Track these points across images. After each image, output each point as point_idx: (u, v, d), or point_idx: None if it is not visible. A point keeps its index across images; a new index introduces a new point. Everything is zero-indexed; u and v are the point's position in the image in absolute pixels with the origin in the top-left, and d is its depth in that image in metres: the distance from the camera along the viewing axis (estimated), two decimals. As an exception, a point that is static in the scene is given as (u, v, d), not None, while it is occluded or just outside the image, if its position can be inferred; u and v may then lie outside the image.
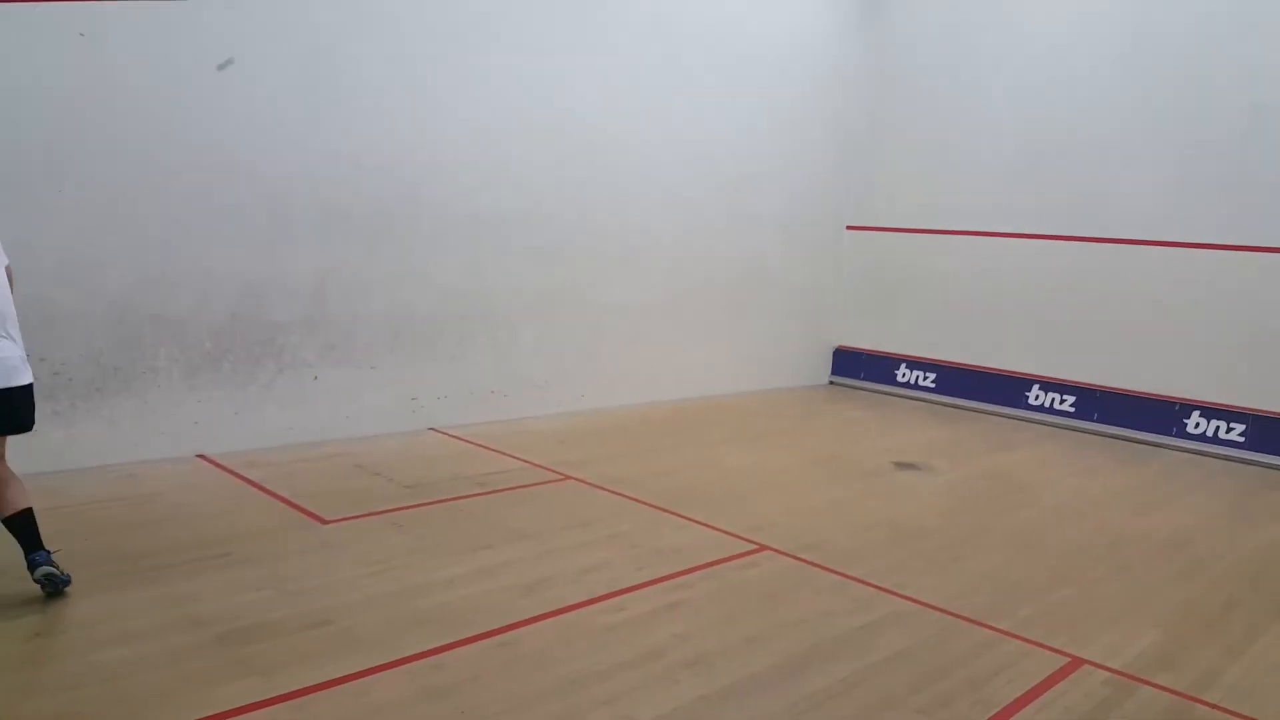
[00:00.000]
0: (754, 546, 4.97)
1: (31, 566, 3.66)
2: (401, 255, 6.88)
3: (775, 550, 4.93)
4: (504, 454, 6.59)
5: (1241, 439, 8.08)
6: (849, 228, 10.87)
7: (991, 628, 4.11)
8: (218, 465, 5.84)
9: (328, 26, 6.25)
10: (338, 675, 3.26)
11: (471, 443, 6.87)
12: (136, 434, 5.67)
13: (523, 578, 4.32)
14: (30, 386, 3.71)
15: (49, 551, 3.71)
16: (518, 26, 7.35)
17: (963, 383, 9.92)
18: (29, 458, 5.12)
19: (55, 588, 3.69)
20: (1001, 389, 9.60)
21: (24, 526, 3.68)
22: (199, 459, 5.93)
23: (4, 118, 5.05)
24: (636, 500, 5.67)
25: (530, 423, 7.65)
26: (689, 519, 5.37)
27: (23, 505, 3.69)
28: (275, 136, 6.10)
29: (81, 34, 5.24)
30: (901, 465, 7.14)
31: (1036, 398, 9.35)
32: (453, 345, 7.31)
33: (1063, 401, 9.16)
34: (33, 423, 3.76)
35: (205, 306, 5.94)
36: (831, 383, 11.01)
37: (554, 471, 6.22)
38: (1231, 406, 8.15)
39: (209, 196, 5.86)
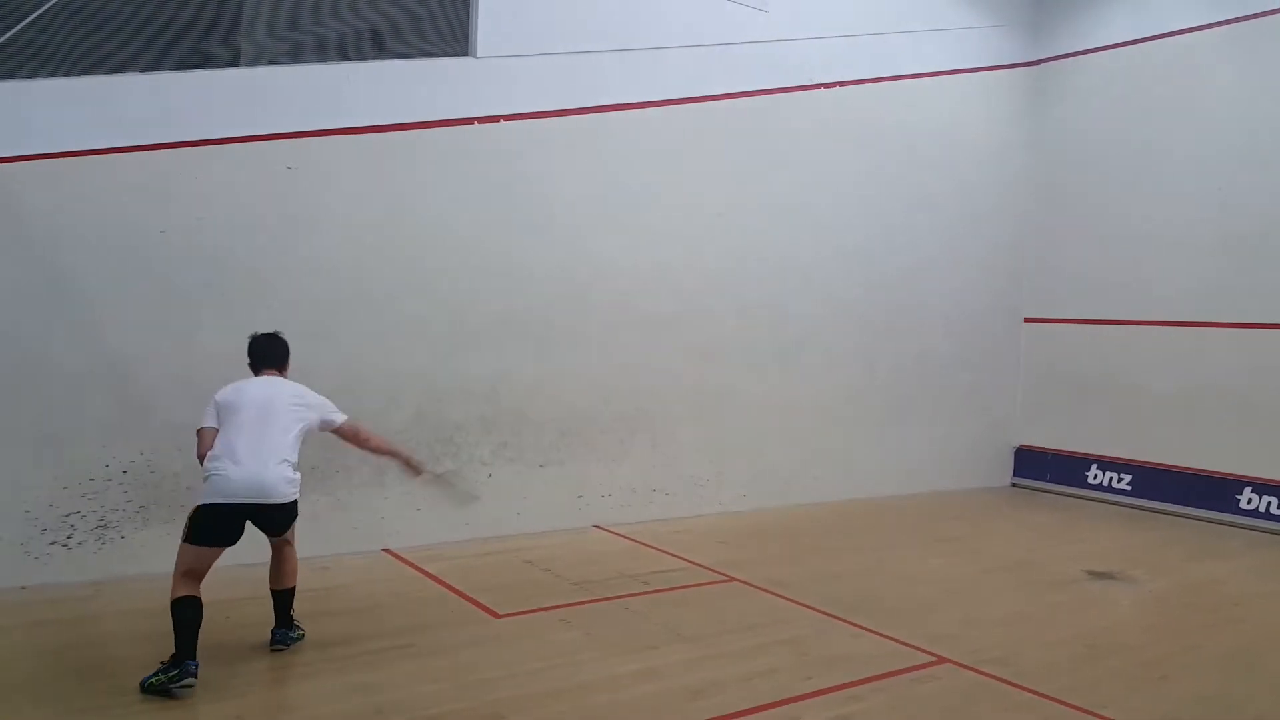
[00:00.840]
0: (932, 659, 4.69)
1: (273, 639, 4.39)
2: (566, 358, 7.21)
3: (955, 663, 4.63)
4: (667, 553, 6.59)
5: None
6: (1027, 320, 10.42)
7: (1211, 760, 3.67)
8: (401, 559, 6.17)
9: (494, 155, 6.80)
10: (509, 771, 3.31)
11: (635, 540, 6.93)
12: (330, 529, 6.09)
13: (689, 680, 4.26)
14: (287, 506, 4.22)
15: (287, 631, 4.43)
16: (673, 138, 7.71)
17: (1162, 485, 9.10)
18: (231, 551, 5.64)
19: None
20: (1207, 491, 8.73)
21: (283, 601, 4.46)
22: (384, 553, 6.29)
23: (220, 243, 5.74)
24: (803, 605, 5.51)
25: (692, 521, 7.64)
26: (860, 626, 5.15)
27: (289, 584, 4.43)
28: (455, 250, 6.63)
29: (289, 167, 5.94)
30: (1095, 575, 6.58)
31: (1249, 501, 8.43)
32: (615, 444, 7.50)
33: (1274, 505, 8.21)
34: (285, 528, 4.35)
35: (393, 408, 6.40)
36: (1014, 485, 10.38)
37: (717, 572, 6.16)
38: None
39: (397, 309, 6.40)
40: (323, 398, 4.44)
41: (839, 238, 8.78)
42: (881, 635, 5.01)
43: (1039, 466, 10.23)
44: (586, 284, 7.26)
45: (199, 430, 4.20)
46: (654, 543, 6.87)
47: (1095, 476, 9.69)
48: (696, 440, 7.96)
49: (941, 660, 4.67)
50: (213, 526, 4.00)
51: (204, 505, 4.01)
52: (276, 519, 4.21)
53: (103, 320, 5.40)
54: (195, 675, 3.79)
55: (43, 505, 5.21)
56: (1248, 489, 8.47)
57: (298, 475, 4.21)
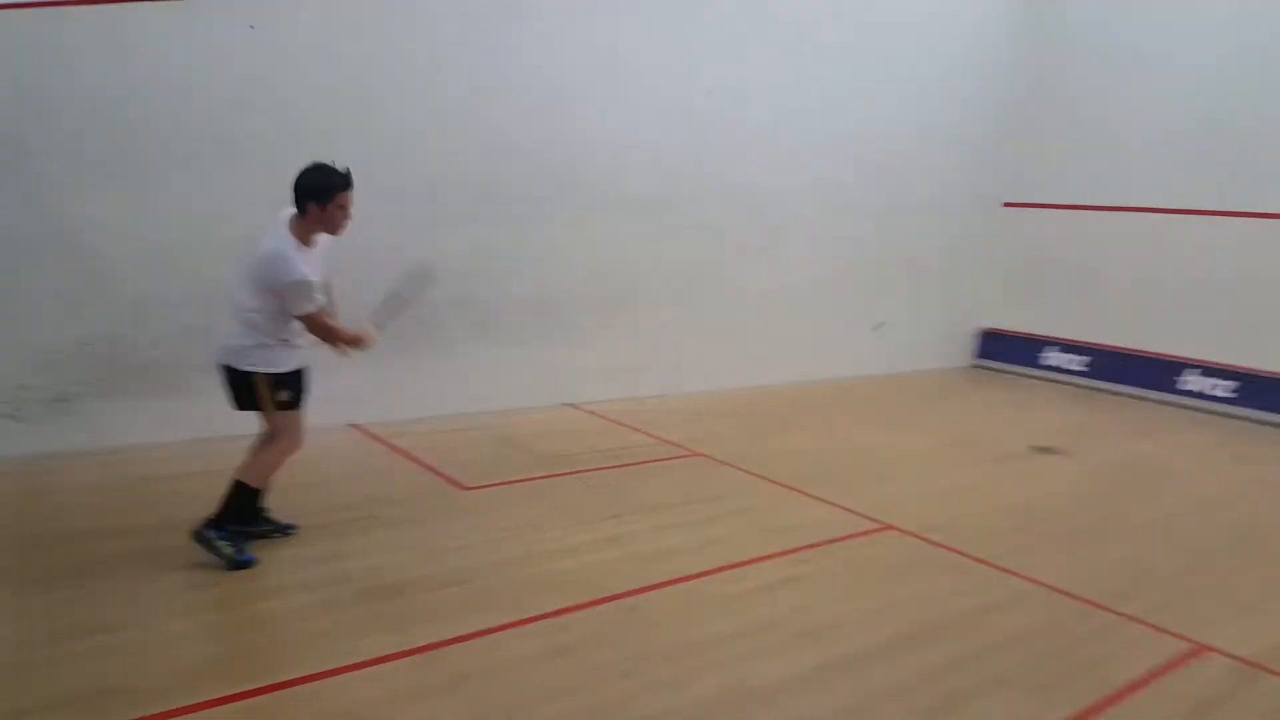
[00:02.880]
0: (879, 525, 4.98)
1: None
2: (547, 236, 7.18)
3: (900, 530, 4.92)
4: (637, 430, 6.81)
5: None
6: (1006, 204, 10.43)
7: (1115, 612, 4.01)
8: (368, 434, 6.34)
9: (483, 14, 6.56)
10: (469, 631, 3.53)
11: (606, 418, 7.14)
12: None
13: (648, 547, 4.52)
14: (245, 374, 3.97)
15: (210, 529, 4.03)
16: (665, 14, 7.48)
17: (1113, 366, 9.40)
18: (190, 425, 5.69)
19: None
20: (1153, 373, 9.04)
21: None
22: (351, 428, 6.44)
23: (182, 106, 5.54)
24: (764, 478, 5.76)
25: (665, 401, 7.84)
26: (816, 497, 5.42)
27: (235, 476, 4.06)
28: (433, 122, 6.47)
29: (252, 26, 5.69)
30: (1039, 449, 6.89)
31: (1190, 382, 8.75)
32: (593, 324, 7.58)
33: (1219, 387, 8.54)
34: (249, 406, 4.06)
35: (365, 285, 6.40)
36: (975, 365, 10.66)
37: (684, 448, 6.39)
38: None
39: (370, 181, 6.28)
40: (303, 273, 3.88)
41: (827, 121, 8.64)
42: (835, 505, 5.29)
43: (1001, 348, 10.48)
44: (569, 160, 7.15)
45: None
46: (625, 420, 7.08)
47: (1053, 358, 9.96)
48: (674, 322, 8.06)
49: (887, 527, 4.96)
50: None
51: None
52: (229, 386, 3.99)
53: (62, 187, 5.26)
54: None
55: None
56: (1187, 370, 8.77)
57: (256, 343, 3.90)
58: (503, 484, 5.40)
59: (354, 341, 4.18)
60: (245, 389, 4.02)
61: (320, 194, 3.86)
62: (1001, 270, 10.47)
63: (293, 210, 3.92)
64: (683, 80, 7.66)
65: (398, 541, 4.42)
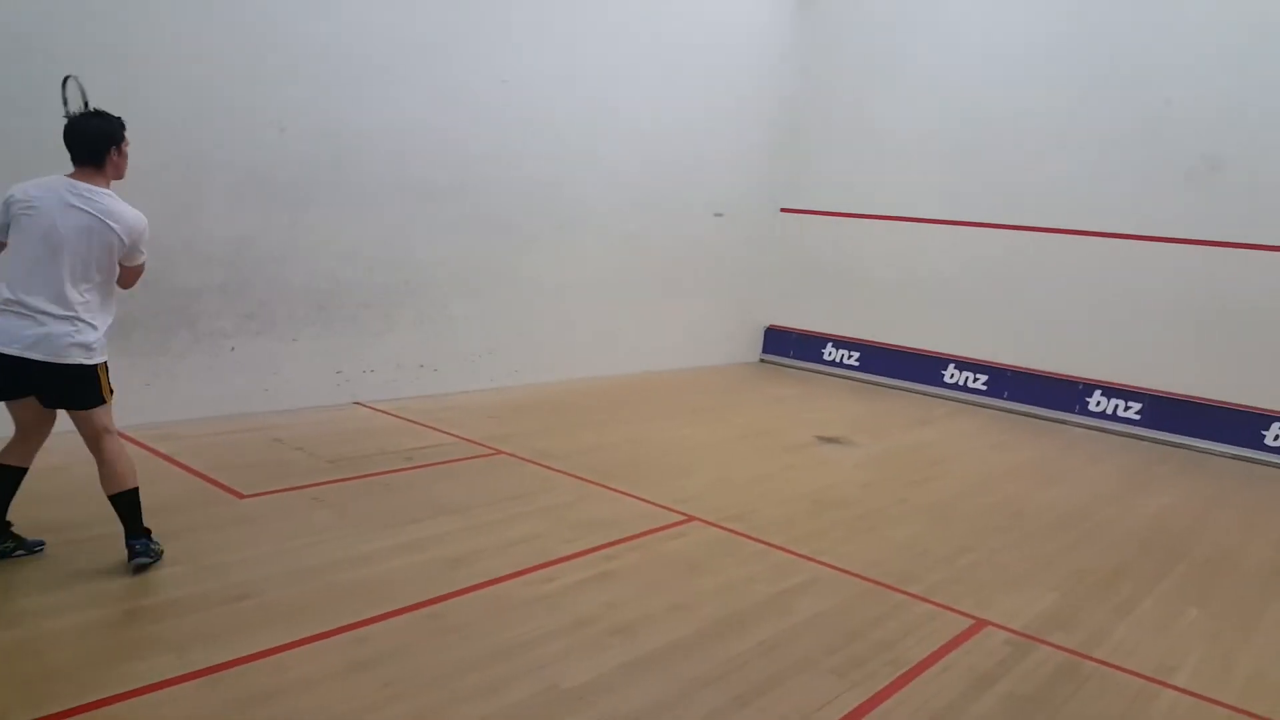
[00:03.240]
0: (682, 517, 5.05)
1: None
2: (326, 224, 6.71)
3: (702, 520, 5.02)
4: (432, 428, 6.52)
5: (1138, 416, 8.52)
6: (783, 210, 11.02)
7: (903, 592, 4.28)
8: (127, 438, 5.61)
9: None
10: (255, 650, 3.20)
11: (399, 417, 6.78)
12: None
13: (450, 551, 4.30)
14: (78, 368, 3.55)
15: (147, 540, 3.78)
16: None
17: (884, 361, 10.20)
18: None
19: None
20: (920, 367, 9.91)
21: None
22: (109, 433, 5.71)
23: None
24: (566, 474, 5.69)
25: (461, 398, 7.58)
26: (619, 491, 5.42)
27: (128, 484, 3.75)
28: (194, 97, 5.86)
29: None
30: (824, 440, 7.31)
31: (952, 376, 9.68)
32: (380, 318, 7.18)
33: (976, 380, 9.51)
34: (86, 403, 3.64)
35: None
36: (762, 360, 11.18)
37: (484, 446, 6.19)
38: (1130, 386, 8.59)
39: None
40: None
41: (620, 118, 8.71)
42: (638, 499, 5.31)
43: (785, 344, 11.08)
44: (352, 143, 6.71)
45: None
46: (420, 419, 6.76)
47: (830, 354, 10.66)
48: (468, 315, 7.81)
49: (690, 519, 5.04)
50: None
51: None
52: (60, 387, 3.55)
53: None
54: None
55: None
56: (951, 365, 9.70)
57: (98, 331, 3.58)
58: (284, 490, 4.96)
59: None
60: (87, 386, 3.59)
61: (118, 138, 3.62)
62: (781, 270, 11.06)
63: (81, 169, 3.56)
64: (478, 67, 7.44)
65: (167, 555, 3.93)
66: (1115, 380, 8.68)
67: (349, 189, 6.79)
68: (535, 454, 6.05)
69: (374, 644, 3.34)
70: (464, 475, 5.55)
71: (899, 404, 9.22)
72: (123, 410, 5.72)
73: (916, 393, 9.77)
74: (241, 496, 4.81)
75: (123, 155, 3.66)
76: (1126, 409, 8.59)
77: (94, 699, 2.82)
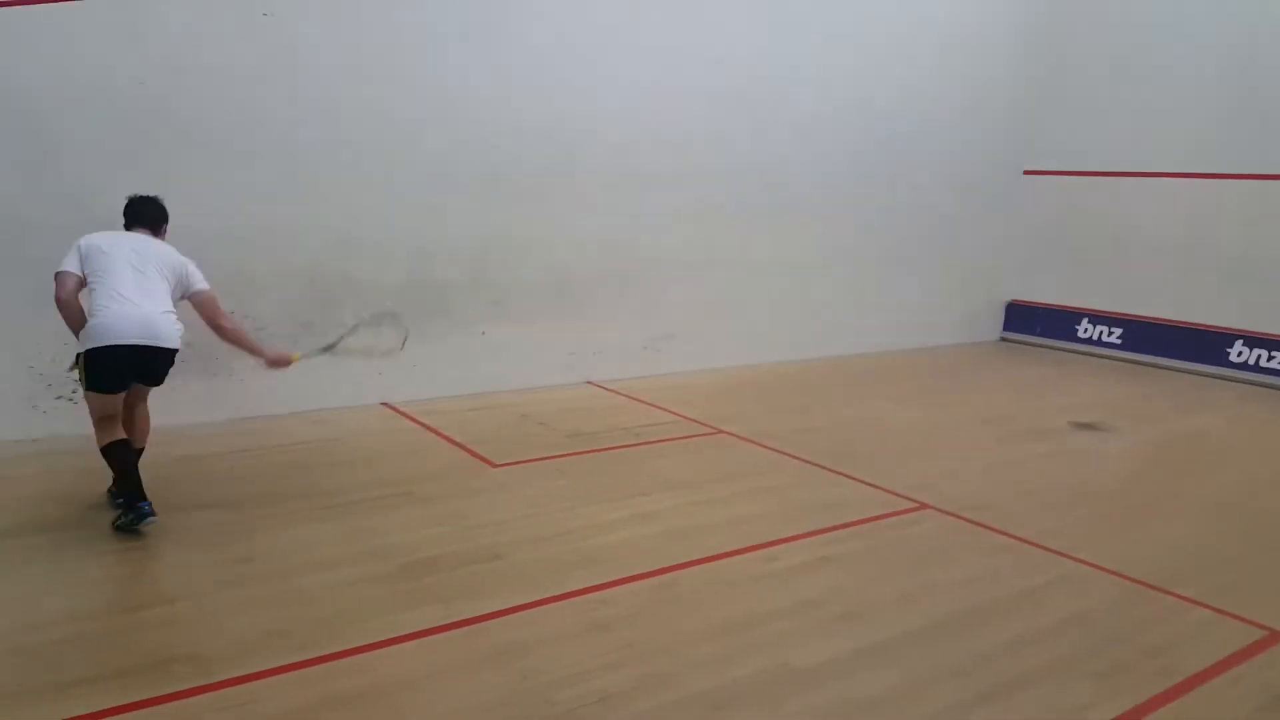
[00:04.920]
0: (914, 505, 4.85)
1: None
2: (557, 216, 7.07)
3: (937, 509, 4.79)
4: (657, 407, 6.71)
5: None
6: (1026, 173, 10.20)
7: (1176, 595, 3.86)
8: (399, 412, 6.27)
9: None
10: (510, 605, 3.47)
11: (626, 396, 7.03)
12: (327, 383, 6.15)
13: (677, 524, 4.42)
14: (173, 353, 4.10)
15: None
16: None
17: (1153, 338, 9.18)
18: (230, 405, 5.70)
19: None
20: (1198, 345, 8.82)
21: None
22: (383, 406, 6.39)
23: (189, 96, 5.45)
24: (789, 455, 5.65)
25: (682, 377, 7.74)
26: (844, 475, 5.30)
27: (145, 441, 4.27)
28: (440, 103, 6.36)
29: (265, 14, 5.62)
30: (1080, 426, 6.73)
31: (1240, 354, 8.52)
32: (607, 302, 7.48)
33: (1272, 358, 8.30)
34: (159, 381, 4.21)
35: (386, 268, 6.34)
36: (1003, 339, 10.46)
37: (705, 425, 6.28)
38: None
39: (381, 165, 6.21)
40: (191, 263, 4.24)
41: (838, 93, 8.46)
42: (865, 483, 5.16)
43: (1030, 321, 10.29)
44: (576, 140, 7.02)
45: (59, 274, 3.96)
46: (644, 397, 6.97)
47: (1086, 330, 9.75)
48: (688, 297, 7.94)
49: (923, 506, 4.83)
50: (109, 369, 3.94)
51: (95, 349, 3.89)
52: (161, 367, 4.11)
53: (87, 177, 5.21)
54: (152, 513, 3.96)
55: (45, 361, 5.22)
56: (1239, 342, 8.54)
57: (181, 326, 4.12)
58: (530, 461, 5.32)
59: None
60: (167, 365, 4.15)
61: (167, 218, 4.43)
62: (1025, 240, 10.24)
63: (141, 231, 4.28)
64: (690, 54, 7.46)
65: (432, 517, 4.36)
66: None
67: (576, 183, 7.10)
68: (755, 434, 6.05)
69: (612, 607, 3.51)
70: (687, 452, 5.67)
71: (1171, 386, 8.28)
72: (394, 388, 6.45)
73: (1193, 374, 8.71)
74: (495, 465, 5.22)
75: (166, 235, 4.41)
76: None
77: (375, 640, 3.18)
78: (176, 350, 4.09)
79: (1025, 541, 4.39)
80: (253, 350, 4.38)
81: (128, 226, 4.29)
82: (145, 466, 4.16)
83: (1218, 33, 8.56)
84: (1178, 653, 3.36)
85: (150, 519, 3.96)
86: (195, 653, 3.05)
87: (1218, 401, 7.78)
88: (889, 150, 9.00)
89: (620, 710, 2.82)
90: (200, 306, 4.24)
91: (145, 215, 4.32)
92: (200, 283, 4.22)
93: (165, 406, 5.44)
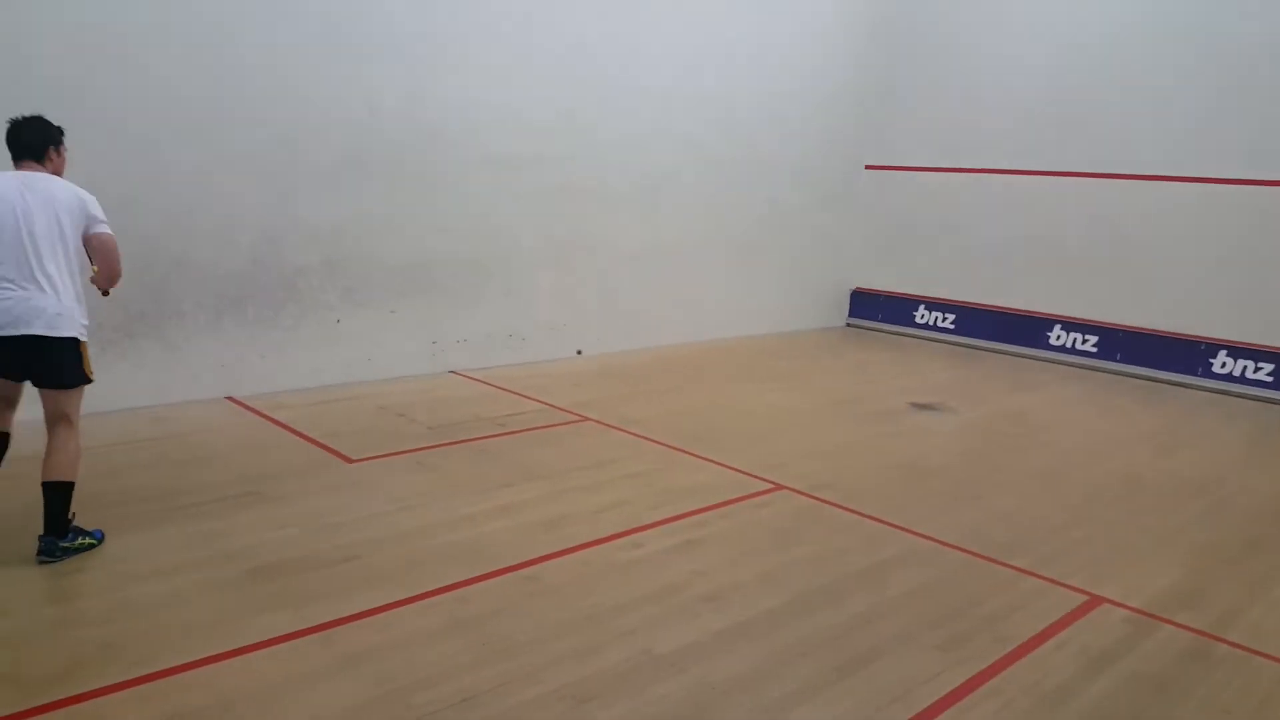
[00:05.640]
0: (769, 485, 5.02)
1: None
2: (416, 199, 6.87)
3: (791, 489, 4.98)
4: (522, 396, 6.65)
5: (1270, 378, 7.98)
6: (868, 167, 10.71)
7: (1009, 565, 4.16)
8: (245, 406, 5.94)
9: None
10: (366, 608, 3.37)
11: (491, 385, 6.94)
12: (164, 377, 5.77)
13: (542, 515, 4.41)
14: (70, 341, 3.62)
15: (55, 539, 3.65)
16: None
17: (982, 323, 9.86)
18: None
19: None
20: (1022, 329, 9.54)
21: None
22: (228, 401, 6.04)
23: (44, 61, 5.01)
24: (652, 441, 5.73)
25: (547, 366, 7.71)
26: (705, 459, 5.43)
27: (60, 475, 3.64)
28: (291, 81, 6.06)
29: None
30: (919, 406, 7.15)
31: (1058, 338, 9.28)
32: (470, 289, 7.34)
33: (1085, 341, 9.09)
34: (73, 381, 3.67)
35: (228, 250, 5.98)
36: (849, 325, 10.97)
37: (571, 413, 6.28)
38: (1260, 346, 8.05)
39: (227, 142, 5.85)
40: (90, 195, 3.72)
41: (696, 79, 8.59)
42: (725, 466, 5.31)
43: (872, 307, 10.83)
44: (436, 122, 6.84)
45: None
46: (510, 386, 6.90)
47: (923, 316, 10.36)
48: (552, 285, 7.91)
49: (778, 487, 5.01)
50: None
51: None
52: (53, 361, 3.58)
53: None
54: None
55: None
56: (1057, 326, 9.30)
57: (82, 306, 3.64)
58: (388, 455, 5.16)
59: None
60: (72, 360, 3.64)
61: (59, 140, 3.80)
62: (868, 231, 10.77)
63: (27, 164, 3.69)
64: (548, 38, 7.42)
65: (283, 518, 4.17)
66: (1243, 340, 8.14)
67: (435, 167, 6.92)
68: (621, 421, 6.11)
69: (474, 604, 3.46)
70: (553, 442, 5.66)
71: (999, 368, 8.92)
72: (239, 381, 6.10)
73: (1019, 356, 9.42)
74: (350, 461, 5.03)
75: (62, 156, 3.81)
76: (1257, 370, 8.06)
77: (225, 649, 3.03)
78: (69, 340, 3.57)
79: (871, 518, 4.63)
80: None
81: (15, 162, 3.68)
82: None
83: (1043, 33, 9.20)
84: (1011, 621, 3.62)
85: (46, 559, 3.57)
86: (17, 673, 2.82)
87: (1039, 381, 8.43)
88: (743, 143, 9.22)
89: (482, 710, 2.79)
90: (95, 249, 3.71)
91: (29, 143, 3.67)
92: (101, 221, 3.71)
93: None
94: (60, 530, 3.63)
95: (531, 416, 6.15)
